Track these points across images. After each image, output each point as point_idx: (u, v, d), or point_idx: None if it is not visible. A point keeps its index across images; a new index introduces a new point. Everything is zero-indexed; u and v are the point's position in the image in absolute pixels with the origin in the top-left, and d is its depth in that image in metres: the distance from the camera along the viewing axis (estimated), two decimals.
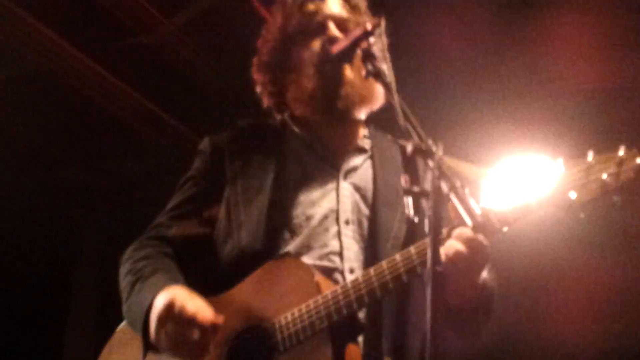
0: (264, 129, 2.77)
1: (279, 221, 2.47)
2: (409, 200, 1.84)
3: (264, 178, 2.55)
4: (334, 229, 2.46)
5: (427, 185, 1.76)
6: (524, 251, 4.85)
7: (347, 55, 2.42)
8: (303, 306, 2.26)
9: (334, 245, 2.44)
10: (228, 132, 2.76)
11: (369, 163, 2.65)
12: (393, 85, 2.08)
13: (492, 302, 2.38)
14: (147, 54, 5.51)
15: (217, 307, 2.29)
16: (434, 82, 5.33)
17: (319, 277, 2.32)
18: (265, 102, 2.82)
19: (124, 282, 2.52)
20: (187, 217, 2.63)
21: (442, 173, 1.73)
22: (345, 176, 2.58)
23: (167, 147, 6.18)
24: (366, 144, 2.71)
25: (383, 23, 2.22)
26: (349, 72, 2.55)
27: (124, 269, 2.56)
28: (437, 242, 1.69)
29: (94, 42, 5.36)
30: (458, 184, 1.72)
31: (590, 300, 5.36)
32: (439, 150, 1.82)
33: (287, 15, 2.71)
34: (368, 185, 2.57)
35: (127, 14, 5.17)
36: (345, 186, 2.56)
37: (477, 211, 1.71)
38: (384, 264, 2.23)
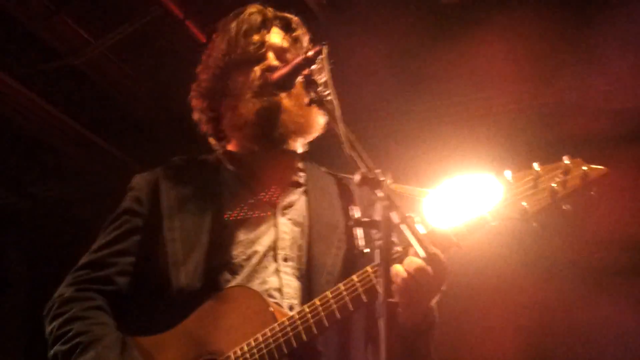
0: (198, 166, 2.72)
1: (219, 262, 2.43)
2: (359, 232, 1.83)
3: (202, 217, 2.51)
4: (272, 266, 2.45)
5: (376, 216, 1.75)
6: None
7: (287, 82, 2.39)
8: (259, 335, 2.23)
9: (272, 282, 2.42)
10: (160, 168, 2.70)
11: (304, 198, 2.63)
12: (338, 113, 2.06)
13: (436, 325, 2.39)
14: (76, 76, 5.39)
15: (165, 344, 2.24)
16: (367, 107, 5.38)
17: (274, 306, 2.31)
18: (203, 128, 2.78)
19: (55, 347, 2.40)
20: (120, 255, 2.53)
21: (392, 203, 1.72)
22: (283, 212, 2.57)
23: (98, 171, 6.05)
24: (301, 178, 2.69)
25: (325, 50, 2.20)
26: (286, 100, 2.55)
27: (53, 327, 2.43)
28: (388, 273, 1.69)
29: (19, 64, 5.20)
30: (407, 214, 1.72)
31: (514, 323, 5.41)
32: (387, 180, 1.81)
33: (230, 42, 2.69)
34: (305, 220, 2.56)
35: (54, 35, 5.05)
36: (284, 222, 2.54)
37: (427, 230, 1.74)
38: (340, 285, 2.22)
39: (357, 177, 1.83)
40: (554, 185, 2.04)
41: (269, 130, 2.56)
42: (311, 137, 2.68)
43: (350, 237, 2.39)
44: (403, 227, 1.69)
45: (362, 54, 4.95)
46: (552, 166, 2.08)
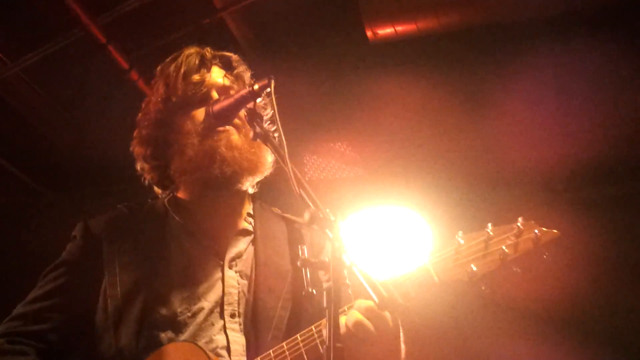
0: (144, 215, 2.60)
1: (162, 320, 2.30)
2: (306, 272, 1.78)
3: (145, 271, 2.39)
4: (219, 324, 2.34)
5: (325, 257, 1.71)
6: None
7: (229, 115, 2.33)
8: None
9: (219, 340, 2.31)
10: (105, 215, 2.57)
11: (252, 248, 2.53)
12: (284, 148, 1.99)
13: None
14: None
15: None
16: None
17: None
18: (147, 177, 2.66)
19: None
20: (55, 310, 2.40)
21: (342, 244, 1.68)
22: (230, 264, 2.46)
23: (5, 198, 5.77)
24: (249, 224, 2.59)
25: (272, 84, 2.14)
26: (235, 137, 2.47)
27: None
28: (337, 315, 1.64)
29: None
30: (358, 256, 1.68)
31: None
32: (337, 219, 1.76)
33: (170, 85, 2.59)
34: (252, 273, 2.46)
35: None
36: (232, 275, 2.43)
37: (378, 285, 1.66)
38: (284, 344, 2.16)
39: (306, 216, 1.78)
40: (504, 247, 2.03)
41: (217, 169, 2.45)
42: (262, 175, 2.59)
43: (299, 283, 2.33)
44: (354, 269, 1.65)
45: (289, 87, 4.94)
46: (504, 228, 2.07)
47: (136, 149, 2.67)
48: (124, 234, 2.50)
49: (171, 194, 2.64)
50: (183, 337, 2.29)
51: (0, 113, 5.34)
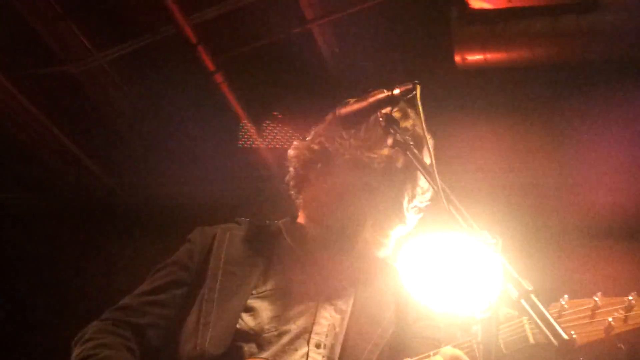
0: (258, 231, 2.60)
1: (249, 332, 2.29)
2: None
3: (245, 282, 2.39)
4: (303, 350, 2.30)
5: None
6: None
7: (360, 118, 2.17)
8: None
9: None
10: (221, 227, 2.58)
11: (353, 289, 2.48)
12: (432, 160, 1.87)
13: None
14: (70, 85, 5.19)
15: None
16: None
17: None
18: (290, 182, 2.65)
19: None
20: (157, 306, 2.42)
21: (510, 273, 1.52)
22: (328, 298, 2.42)
23: (71, 184, 5.80)
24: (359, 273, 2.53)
25: (419, 90, 1.98)
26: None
27: (84, 348, 2.31)
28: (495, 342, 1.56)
29: (15, 63, 4.98)
30: (529, 287, 1.50)
31: None
32: (498, 245, 1.60)
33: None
34: (348, 308, 2.42)
35: (57, 40, 4.86)
36: (326, 307, 2.39)
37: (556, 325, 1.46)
38: None
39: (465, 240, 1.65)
40: (611, 320, 1.88)
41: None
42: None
43: (394, 331, 2.34)
44: (524, 303, 1.48)
45: None
46: (614, 299, 1.93)
47: (295, 151, 2.65)
48: (234, 245, 2.51)
49: (289, 218, 2.63)
50: (265, 354, 2.27)
51: (78, 103, 5.38)
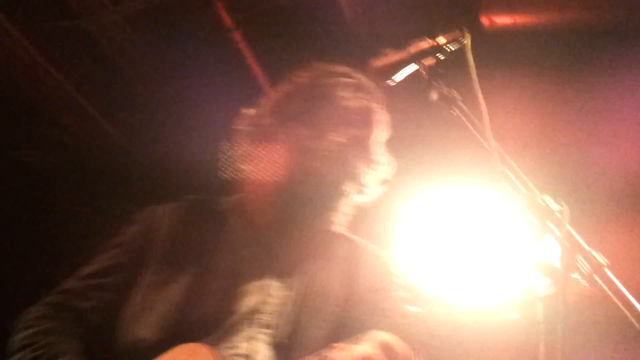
0: (207, 210, 2.52)
1: (193, 314, 2.20)
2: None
3: (188, 266, 2.30)
4: (248, 331, 2.20)
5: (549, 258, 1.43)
6: None
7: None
8: None
9: (242, 347, 2.17)
10: (170, 205, 2.51)
11: (305, 264, 2.40)
12: (485, 117, 1.72)
13: None
14: (84, 40, 5.06)
15: None
16: None
17: None
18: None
19: (18, 354, 2.21)
20: (104, 289, 2.35)
21: (578, 243, 1.40)
22: (279, 275, 2.34)
23: (85, 144, 5.69)
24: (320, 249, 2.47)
25: (469, 38, 1.88)
26: None
27: (22, 336, 2.24)
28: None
29: (27, 15, 4.86)
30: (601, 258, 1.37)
31: None
32: (565, 213, 1.46)
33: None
34: (298, 286, 2.33)
35: None
36: (276, 285, 2.31)
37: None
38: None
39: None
40: None
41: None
42: None
43: (350, 306, 2.27)
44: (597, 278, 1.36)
45: None
46: None
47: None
48: (182, 226, 2.43)
49: (239, 195, 2.56)
50: (209, 338, 2.16)
51: (93, 59, 5.26)
